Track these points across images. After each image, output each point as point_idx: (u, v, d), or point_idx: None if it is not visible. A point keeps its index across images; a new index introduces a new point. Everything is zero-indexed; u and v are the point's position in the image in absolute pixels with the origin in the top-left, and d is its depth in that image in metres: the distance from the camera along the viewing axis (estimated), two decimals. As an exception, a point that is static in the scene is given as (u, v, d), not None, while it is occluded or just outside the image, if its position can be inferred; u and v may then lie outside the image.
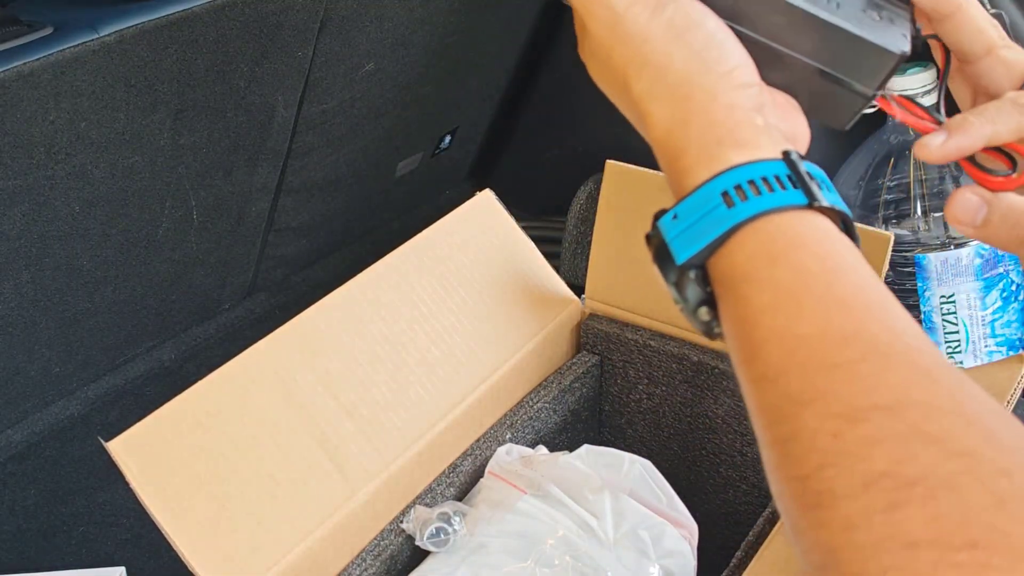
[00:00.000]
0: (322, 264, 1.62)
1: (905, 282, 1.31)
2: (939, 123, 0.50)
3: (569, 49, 1.77)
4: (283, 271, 1.55)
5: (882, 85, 0.49)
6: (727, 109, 0.44)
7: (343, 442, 0.75)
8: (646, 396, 0.93)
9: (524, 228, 0.93)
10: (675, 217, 0.43)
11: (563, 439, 0.92)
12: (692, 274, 0.42)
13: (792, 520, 0.36)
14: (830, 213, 0.42)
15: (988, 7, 0.57)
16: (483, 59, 1.58)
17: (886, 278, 0.80)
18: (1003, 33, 0.52)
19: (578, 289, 0.95)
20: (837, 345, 0.37)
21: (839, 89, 0.48)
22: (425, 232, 0.87)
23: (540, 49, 1.71)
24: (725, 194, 0.41)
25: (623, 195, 0.90)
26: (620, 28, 0.46)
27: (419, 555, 0.77)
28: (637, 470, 0.80)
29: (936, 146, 0.50)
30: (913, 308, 1.34)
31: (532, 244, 0.93)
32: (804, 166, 0.42)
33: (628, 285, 0.92)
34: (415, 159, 1.62)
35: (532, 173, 1.88)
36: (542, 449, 0.86)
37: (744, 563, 0.71)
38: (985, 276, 1.26)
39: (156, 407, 0.70)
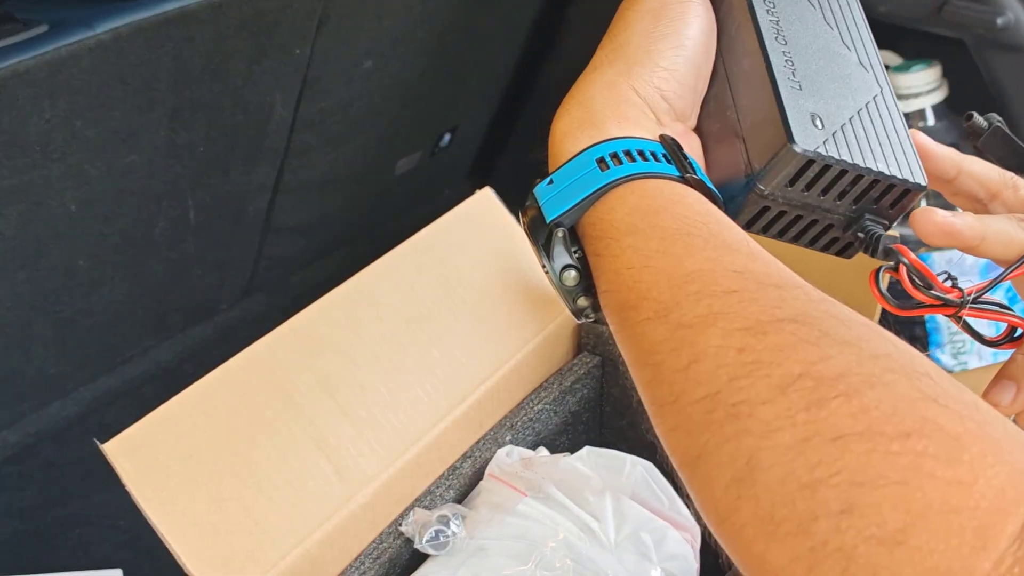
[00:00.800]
0: (320, 264, 1.61)
1: (909, 282, 1.30)
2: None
3: (569, 47, 1.78)
4: (281, 271, 1.55)
5: (775, 184, 0.44)
6: (627, 91, 0.45)
7: (341, 443, 0.74)
8: (647, 397, 0.92)
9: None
10: (551, 183, 0.45)
11: (564, 441, 0.91)
12: (560, 232, 0.43)
13: (697, 445, 0.34)
14: (702, 188, 0.43)
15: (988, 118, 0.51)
16: (483, 57, 1.58)
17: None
18: (1007, 174, 0.51)
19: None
20: (729, 277, 0.37)
21: (740, 165, 0.45)
22: (424, 231, 0.86)
23: (540, 47, 1.70)
24: (601, 160, 0.43)
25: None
26: None
27: (418, 558, 0.76)
28: (639, 472, 0.79)
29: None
30: (916, 308, 1.33)
31: (532, 243, 0.92)
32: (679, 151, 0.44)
33: (629, 285, 0.91)
34: (414, 158, 1.62)
35: (532, 172, 1.87)
36: (543, 451, 0.85)
37: (747, 566, 0.70)
38: (990, 275, 1.25)
39: (153, 408, 0.69)
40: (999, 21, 1.16)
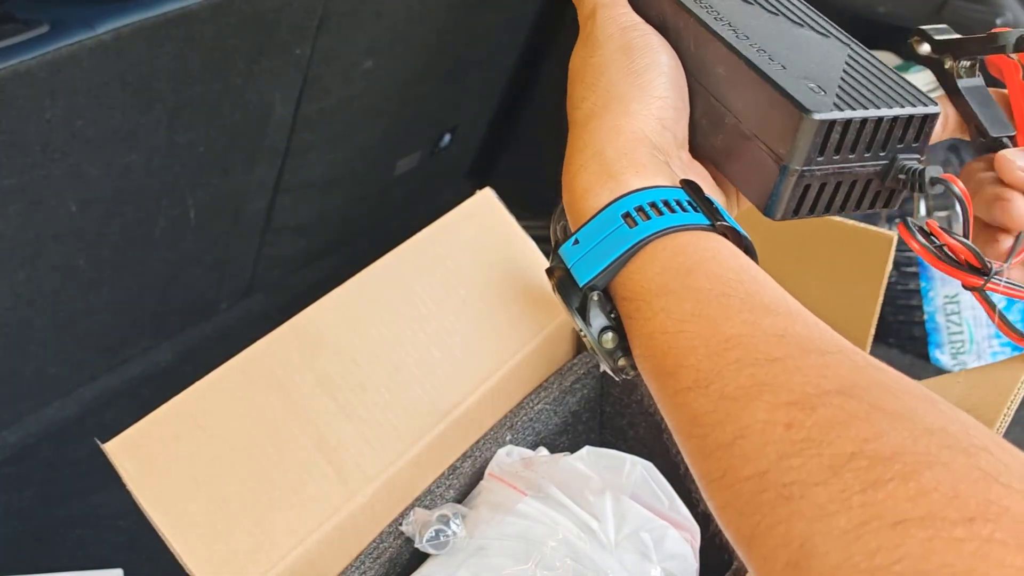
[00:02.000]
0: (320, 264, 1.61)
1: (908, 282, 1.30)
2: (968, 247, 0.46)
3: (569, 47, 1.76)
4: (281, 271, 1.55)
5: (806, 160, 0.44)
6: (634, 135, 0.44)
7: (342, 443, 0.74)
8: (648, 397, 0.92)
9: (524, 227, 0.92)
10: (576, 243, 0.43)
11: (564, 440, 0.91)
12: (595, 296, 0.42)
13: (748, 525, 0.33)
14: (732, 235, 0.42)
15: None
16: (483, 57, 1.58)
17: (889, 278, 0.79)
18: None
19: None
20: (770, 342, 0.36)
21: (765, 159, 0.46)
22: (424, 231, 0.86)
23: (540, 47, 1.70)
24: (627, 215, 0.41)
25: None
26: (591, 31, 0.48)
27: (418, 557, 0.76)
28: (639, 472, 0.79)
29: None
30: (916, 308, 1.33)
31: (533, 243, 0.92)
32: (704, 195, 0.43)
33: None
34: (414, 158, 1.62)
35: (532, 172, 1.87)
36: (543, 451, 0.85)
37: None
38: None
39: (153, 408, 0.69)
40: (998, 21, 1.16)
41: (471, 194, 0.91)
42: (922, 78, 1.28)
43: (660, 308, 0.39)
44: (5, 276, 1.08)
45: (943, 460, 0.30)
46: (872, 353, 0.43)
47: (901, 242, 0.80)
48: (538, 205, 1.79)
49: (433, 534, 0.74)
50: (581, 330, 0.42)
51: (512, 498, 0.77)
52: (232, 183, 1.27)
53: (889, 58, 1.33)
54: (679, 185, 0.43)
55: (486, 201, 0.91)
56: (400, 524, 0.76)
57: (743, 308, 0.37)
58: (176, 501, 0.67)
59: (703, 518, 0.78)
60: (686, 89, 0.48)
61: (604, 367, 0.44)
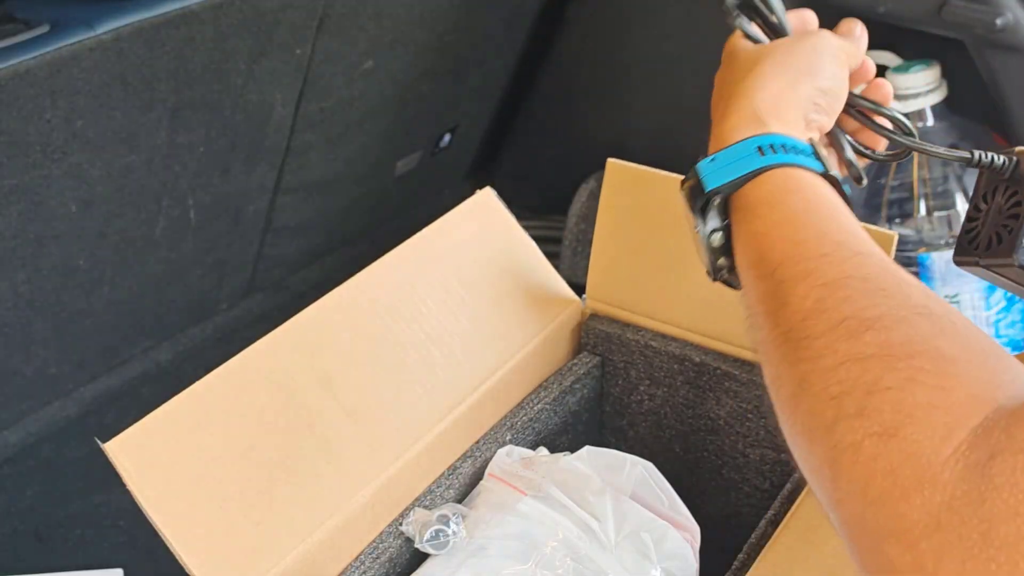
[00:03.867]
0: (320, 264, 1.61)
1: (909, 282, 1.30)
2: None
3: (569, 47, 1.77)
4: (281, 271, 1.55)
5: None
6: (793, 98, 0.55)
7: (342, 443, 0.74)
8: (647, 397, 0.92)
9: (524, 227, 0.92)
10: (713, 160, 0.53)
11: (564, 440, 0.92)
12: (717, 200, 0.52)
13: (774, 369, 0.45)
14: (836, 185, 0.53)
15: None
16: (483, 57, 1.58)
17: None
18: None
19: (578, 287, 0.94)
20: (827, 246, 0.46)
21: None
22: (424, 231, 0.86)
23: (540, 47, 1.70)
24: (760, 148, 0.52)
25: (624, 194, 0.90)
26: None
27: (418, 557, 0.76)
28: (639, 472, 0.79)
29: None
30: (916, 308, 1.33)
31: (533, 243, 0.92)
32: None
33: (629, 285, 0.91)
34: (414, 158, 1.62)
35: (532, 172, 1.87)
36: (543, 451, 0.85)
37: (746, 565, 0.70)
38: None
39: (153, 408, 0.69)
40: (999, 21, 1.16)
41: (471, 194, 0.90)
42: (922, 78, 1.28)
43: (761, 215, 0.50)
44: (5, 276, 1.08)
45: (912, 321, 0.40)
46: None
47: (901, 242, 0.80)
48: (538, 205, 1.79)
49: (433, 534, 0.74)
50: (697, 228, 0.53)
51: (512, 498, 0.77)
52: (232, 183, 1.27)
53: (889, 58, 1.33)
54: (807, 141, 0.54)
55: (486, 201, 0.91)
56: (400, 524, 0.76)
57: (819, 223, 0.48)
58: (176, 501, 0.67)
59: (703, 519, 0.78)
60: (847, 91, 0.59)
61: (705, 265, 0.55)
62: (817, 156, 0.53)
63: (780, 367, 0.44)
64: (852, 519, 0.38)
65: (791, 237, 0.48)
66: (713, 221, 0.52)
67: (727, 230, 0.53)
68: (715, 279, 0.55)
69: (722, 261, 0.53)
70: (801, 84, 0.56)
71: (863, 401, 0.38)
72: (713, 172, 0.53)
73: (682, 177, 0.55)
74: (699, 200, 0.53)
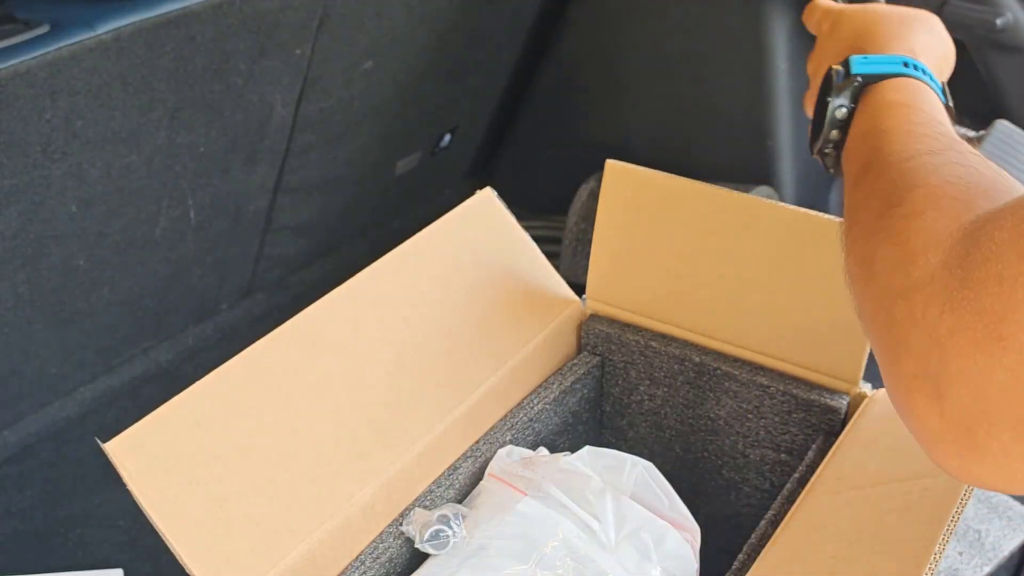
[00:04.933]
0: (320, 264, 1.61)
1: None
2: None
3: (569, 47, 1.77)
4: (281, 271, 1.55)
5: None
6: (937, 54, 0.69)
7: (342, 443, 0.74)
8: (647, 397, 0.92)
9: (524, 227, 0.92)
10: (866, 59, 0.64)
11: (564, 440, 0.92)
12: (856, 81, 0.62)
13: (846, 232, 0.53)
14: (953, 115, 0.63)
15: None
16: (483, 57, 1.58)
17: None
18: None
19: (578, 287, 0.94)
20: (915, 145, 0.54)
21: None
22: (424, 231, 0.86)
23: (540, 47, 1.70)
24: (905, 63, 0.63)
25: (623, 194, 0.90)
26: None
27: (418, 557, 0.76)
28: (639, 472, 0.79)
29: None
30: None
31: (533, 243, 0.92)
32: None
33: (629, 285, 0.91)
34: (414, 158, 1.62)
35: (532, 171, 1.87)
36: (543, 451, 0.85)
37: (746, 565, 0.70)
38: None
39: (153, 408, 0.69)
40: (999, 22, 1.16)
41: (471, 194, 0.90)
42: (922, 78, 1.28)
43: (873, 115, 0.60)
44: (6, 276, 1.08)
45: (935, 184, 0.48)
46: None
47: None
48: (538, 205, 1.79)
49: (433, 534, 0.74)
50: (828, 100, 0.63)
51: (512, 498, 0.77)
52: (232, 183, 1.27)
53: (889, 58, 1.33)
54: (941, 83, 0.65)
55: (486, 201, 0.91)
56: (400, 524, 0.76)
57: (922, 131, 0.55)
58: (177, 501, 0.67)
59: (703, 519, 0.78)
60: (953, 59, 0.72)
61: (818, 137, 0.64)
62: (944, 92, 0.64)
63: (850, 225, 0.53)
64: (879, 293, 0.46)
65: (886, 137, 0.56)
66: (844, 98, 0.62)
67: (851, 113, 0.62)
68: (818, 150, 0.65)
69: (835, 134, 0.63)
70: (940, 49, 0.70)
71: (905, 196, 0.48)
72: (865, 64, 0.63)
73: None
74: (842, 78, 0.63)
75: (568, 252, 1.65)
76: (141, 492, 0.67)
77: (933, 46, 0.69)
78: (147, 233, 1.21)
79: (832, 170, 0.67)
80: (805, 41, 1.44)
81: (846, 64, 0.64)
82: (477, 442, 0.83)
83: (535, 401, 0.88)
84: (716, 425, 0.89)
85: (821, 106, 0.65)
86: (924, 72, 0.63)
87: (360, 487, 0.74)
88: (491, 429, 0.85)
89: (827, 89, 0.64)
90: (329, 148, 1.39)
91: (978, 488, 0.50)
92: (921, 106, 0.59)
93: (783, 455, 0.85)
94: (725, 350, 0.86)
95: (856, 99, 0.63)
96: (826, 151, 0.65)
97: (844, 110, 0.63)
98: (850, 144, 0.62)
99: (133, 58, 1.00)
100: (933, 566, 0.60)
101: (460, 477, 0.81)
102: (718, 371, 0.86)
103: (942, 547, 0.62)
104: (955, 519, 0.63)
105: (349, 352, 0.78)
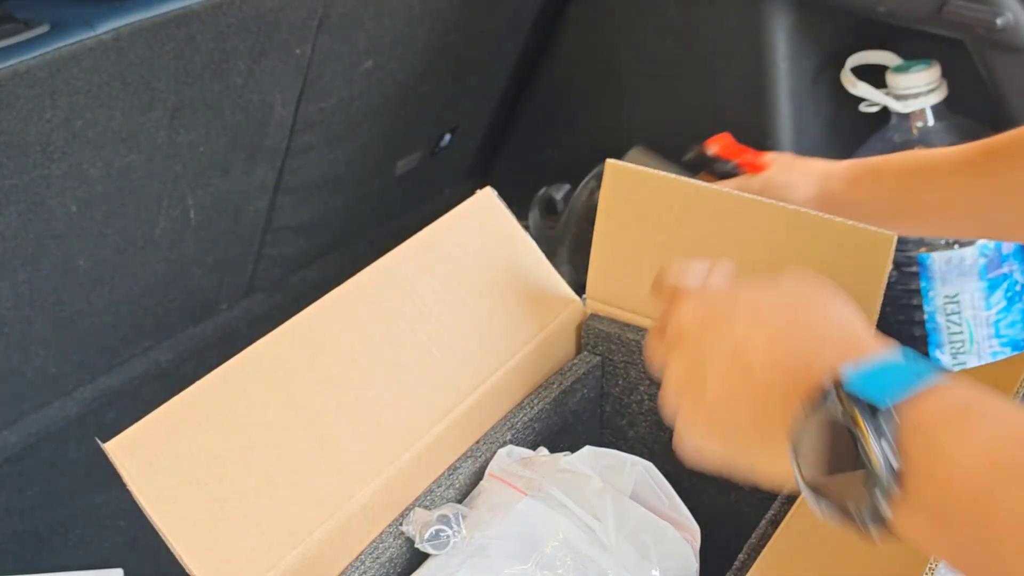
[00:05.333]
0: (320, 264, 1.61)
1: (909, 282, 1.30)
2: None
3: (569, 47, 1.77)
4: (281, 271, 1.55)
5: None
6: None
7: (341, 443, 0.74)
8: (648, 397, 0.92)
9: (524, 227, 0.92)
10: (857, 370, 0.45)
11: (564, 440, 0.91)
12: (893, 416, 0.42)
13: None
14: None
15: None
16: (483, 57, 1.58)
17: (890, 278, 0.79)
18: None
19: (578, 286, 0.94)
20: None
21: None
22: (424, 231, 0.86)
23: (540, 47, 1.70)
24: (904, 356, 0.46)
25: (623, 194, 0.90)
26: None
27: (418, 557, 0.76)
28: (639, 472, 0.79)
29: None
30: (916, 308, 1.33)
31: (533, 243, 0.92)
32: None
33: (629, 285, 0.91)
34: (414, 158, 1.62)
35: (532, 172, 1.87)
36: (543, 451, 0.85)
37: (747, 565, 0.70)
38: (989, 276, 1.25)
39: (153, 408, 0.69)
40: (999, 21, 1.16)
41: (471, 194, 0.90)
42: (923, 78, 1.28)
43: (949, 440, 0.41)
44: (5, 276, 1.08)
45: None
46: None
47: (902, 241, 0.80)
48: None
49: (433, 534, 0.74)
50: (873, 452, 0.42)
51: (512, 498, 0.77)
52: (232, 183, 1.27)
53: (889, 58, 1.33)
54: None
55: (486, 201, 0.91)
56: (400, 524, 0.76)
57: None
58: (177, 501, 0.67)
59: (703, 519, 0.78)
60: None
61: (862, 509, 0.44)
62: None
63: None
64: None
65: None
66: (887, 444, 0.42)
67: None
68: (876, 529, 0.44)
69: (896, 490, 0.42)
70: (851, 306, 0.54)
71: None
72: (871, 382, 0.44)
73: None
74: (867, 417, 0.42)
75: (568, 252, 1.65)
76: (141, 492, 0.67)
77: (849, 309, 0.52)
78: (147, 233, 1.21)
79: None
80: (805, 41, 1.44)
81: (838, 389, 0.44)
82: (477, 442, 0.83)
83: (535, 401, 0.88)
84: (716, 425, 0.88)
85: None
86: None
87: (360, 487, 0.74)
88: (491, 429, 0.85)
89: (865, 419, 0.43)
90: (329, 148, 1.39)
91: None
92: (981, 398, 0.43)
93: (783, 455, 0.85)
94: (725, 350, 0.86)
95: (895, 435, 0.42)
96: (886, 524, 0.43)
97: (893, 458, 0.42)
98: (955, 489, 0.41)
99: (133, 58, 1.00)
100: (934, 566, 0.60)
101: (460, 477, 0.81)
102: (718, 371, 0.86)
103: (942, 547, 0.61)
104: (955, 519, 0.63)
105: (349, 352, 0.78)
